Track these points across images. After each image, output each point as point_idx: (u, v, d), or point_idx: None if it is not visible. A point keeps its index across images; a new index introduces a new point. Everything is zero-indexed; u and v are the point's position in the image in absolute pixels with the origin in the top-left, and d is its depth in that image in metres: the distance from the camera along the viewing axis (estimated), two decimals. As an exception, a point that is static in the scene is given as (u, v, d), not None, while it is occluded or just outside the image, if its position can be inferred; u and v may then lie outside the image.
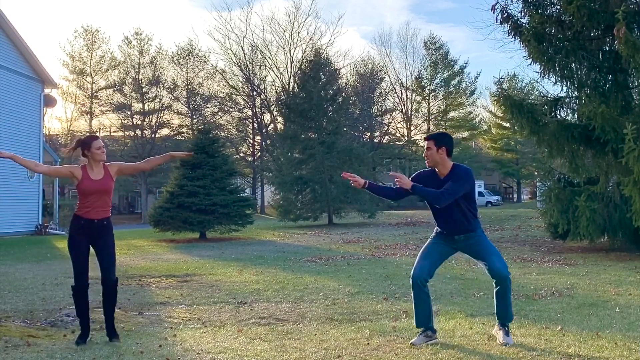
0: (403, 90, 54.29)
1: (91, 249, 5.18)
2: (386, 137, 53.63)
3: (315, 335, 5.38)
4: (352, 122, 41.71)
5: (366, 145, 36.92)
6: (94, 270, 5.29)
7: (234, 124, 51.34)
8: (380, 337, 5.22)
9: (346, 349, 4.84)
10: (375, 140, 50.83)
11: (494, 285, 5.01)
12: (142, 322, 6.17)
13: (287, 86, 44.29)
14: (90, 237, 5.12)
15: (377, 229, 21.40)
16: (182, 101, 49.40)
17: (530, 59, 12.94)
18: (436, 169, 5.04)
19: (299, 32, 49.35)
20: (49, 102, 25.74)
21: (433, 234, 5.17)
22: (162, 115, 48.41)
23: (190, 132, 46.46)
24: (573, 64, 12.60)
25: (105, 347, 4.97)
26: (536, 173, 38.37)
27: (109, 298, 5.22)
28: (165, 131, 49.50)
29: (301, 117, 25.88)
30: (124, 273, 10.45)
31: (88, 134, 5.53)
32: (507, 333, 4.96)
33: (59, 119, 49.72)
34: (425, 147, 5.10)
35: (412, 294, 5.08)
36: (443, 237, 5.08)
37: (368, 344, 5.01)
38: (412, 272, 5.05)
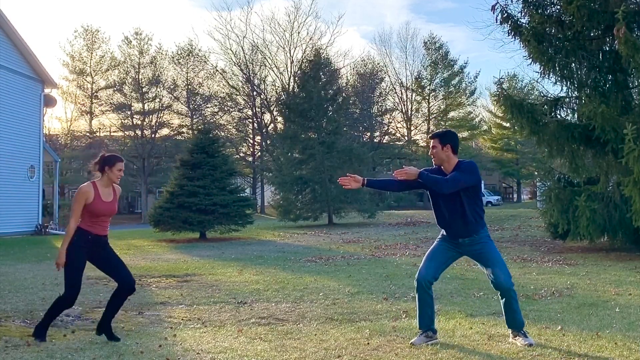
0: (403, 90, 54.30)
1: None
2: (386, 137, 53.65)
3: (315, 335, 5.38)
4: (352, 122, 41.73)
5: (366, 145, 36.95)
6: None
7: (234, 124, 51.34)
8: (380, 337, 5.22)
9: (346, 349, 4.84)
10: (375, 140, 50.82)
11: (499, 296, 5.00)
12: (142, 322, 6.17)
13: (287, 86, 44.30)
14: (92, 251, 5.14)
15: (377, 229, 21.40)
16: (182, 101, 49.39)
17: (530, 59, 12.94)
18: (442, 167, 5.03)
19: (299, 32, 49.41)
20: (49, 102, 25.74)
21: (439, 237, 5.15)
22: (162, 115, 48.40)
23: (190, 132, 46.46)
24: (573, 64, 12.59)
25: (106, 347, 4.97)
26: (536, 173, 38.37)
27: (123, 299, 5.30)
28: (165, 131, 49.50)
29: (301, 117, 25.88)
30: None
31: (113, 154, 5.38)
32: (525, 335, 4.94)
33: (59, 119, 49.80)
34: (430, 146, 5.09)
35: (416, 296, 5.07)
36: (448, 240, 5.06)
37: (368, 344, 5.01)
38: (417, 274, 5.04)
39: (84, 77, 47.92)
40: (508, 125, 42.41)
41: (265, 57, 49.55)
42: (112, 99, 48.01)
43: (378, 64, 53.08)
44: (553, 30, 13.17)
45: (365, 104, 48.69)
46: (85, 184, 5.23)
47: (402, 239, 17.40)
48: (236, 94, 49.94)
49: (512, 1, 15.23)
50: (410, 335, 5.21)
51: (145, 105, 47.56)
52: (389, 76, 53.79)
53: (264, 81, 50.15)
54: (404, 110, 54.39)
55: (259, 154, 51.89)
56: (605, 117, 11.22)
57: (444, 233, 5.09)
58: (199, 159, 18.82)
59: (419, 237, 17.44)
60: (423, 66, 53.83)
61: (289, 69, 48.59)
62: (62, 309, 5.21)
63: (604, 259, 11.62)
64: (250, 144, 53.25)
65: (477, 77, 66.81)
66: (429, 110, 54.25)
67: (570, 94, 13.30)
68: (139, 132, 47.79)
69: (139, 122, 47.83)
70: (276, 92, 47.29)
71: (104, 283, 9.23)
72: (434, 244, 5.16)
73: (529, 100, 14.47)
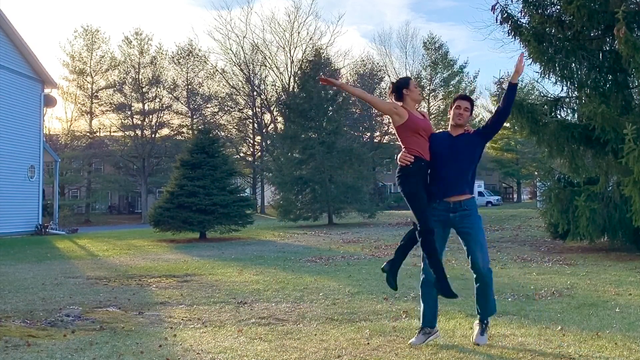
0: (403, 90, 54.26)
1: None
2: (386, 137, 53.66)
3: (315, 335, 5.38)
4: (352, 122, 41.72)
5: (366, 145, 36.93)
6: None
7: (234, 124, 51.37)
8: (380, 337, 5.22)
9: (346, 349, 4.84)
10: (375, 140, 50.82)
11: (474, 281, 4.94)
12: (142, 322, 6.17)
13: (287, 86, 44.32)
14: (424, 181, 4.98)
15: (377, 229, 21.39)
16: (182, 101, 49.43)
17: (530, 59, 12.93)
18: (452, 131, 5.01)
19: (299, 32, 49.44)
20: (49, 102, 25.74)
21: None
22: (162, 115, 48.44)
23: (190, 132, 46.48)
24: (573, 64, 12.59)
25: (105, 347, 4.97)
26: (536, 173, 38.35)
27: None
28: (165, 131, 49.54)
29: (301, 117, 25.88)
30: (124, 273, 10.46)
31: (402, 77, 5.22)
32: (482, 331, 4.92)
33: (59, 119, 49.84)
34: (460, 106, 4.97)
35: (420, 292, 5.08)
36: (439, 219, 4.91)
37: (368, 344, 5.01)
38: (422, 271, 5.05)
39: (84, 77, 47.93)
40: (508, 125, 42.29)
41: (265, 57, 49.62)
42: (112, 99, 48.04)
43: (378, 63, 53.21)
44: (553, 30, 13.16)
45: (365, 104, 48.66)
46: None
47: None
48: (236, 94, 49.97)
49: (512, 1, 15.24)
50: (411, 335, 5.21)
51: (145, 105, 47.59)
52: (389, 76, 53.83)
53: (264, 81, 50.24)
54: (403, 110, 54.40)
55: (259, 154, 51.90)
56: (605, 117, 11.22)
57: (435, 205, 4.94)
58: (199, 159, 18.81)
59: (419, 237, 17.43)
60: (423, 66, 53.91)
61: (289, 69, 48.62)
62: (432, 244, 4.86)
63: (604, 259, 11.61)
64: (250, 144, 53.27)
65: (476, 77, 66.85)
66: (428, 110, 54.24)
67: (570, 94, 13.29)
68: (139, 132, 47.80)
69: (139, 122, 47.85)
70: (276, 92, 47.35)
71: (104, 283, 9.23)
72: None
73: (529, 100, 14.46)
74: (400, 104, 5.00)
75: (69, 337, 5.37)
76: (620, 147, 10.80)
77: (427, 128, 5.00)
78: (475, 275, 4.91)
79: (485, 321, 4.96)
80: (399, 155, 5.02)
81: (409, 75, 53.95)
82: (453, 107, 5.03)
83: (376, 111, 51.01)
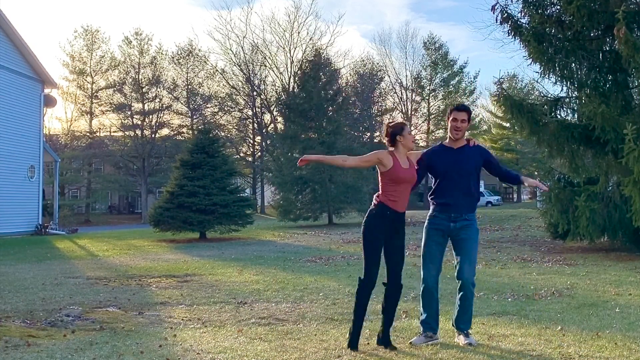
0: (403, 90, 54.34)
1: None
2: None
3: (315, 335, 5.38)
4: (352, 122, 41.72)
5: (366, 146, 36.90)
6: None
7: (234, 124, 51.38)
8: (381, 337, 5.21)
9: (346, 349, 4.84)
10: (375, 140, 50.78)
11: (458, 289, 4.99)
12: (142, 322, 6.17)
13: (287, 86, 44.31)
14: (389, 230, 4.91)
15: (377, 229, 21.35)
16: (182, 101, 49.43)
17: (530, 59, 12.93)
18: (450, 144, 5.01)
19: (299, 32, 49.48)
20: (49, 102, 25.74)
21: (427, 229, 5.09)
22: (162, 115, 48.45)
23: (190, 132, 46.49)
24: (573, 64, 12.59)
25: (105, 347, 4.97)
26: (536, 173, 38.35)
27: (393, 298, 5.04)
28: (165, 131, 49.55)
29: (301, 117, 25.89)
30: (124, 273, 10.46)
31: (398, 122, 5.05)
32: (467, 335, 4.94)
33: (59, 119, 49.84)
34: (457, 118, 4.93)
35: (421, 300, 5.09)
36: (438, 227, 5.00)
37: (368, 344, 5.01)
38: (423, 280, 5.05)
39: (84, 77, 47.94)
40: (508, 125, 42.34)
41: (265, 57, 49.64)
42: (112, 99, 48.06)
43: (378, 64, 53.23)
44: (553, 30, 13.16)
45: (365, 104, 48.72)
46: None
47: (402, 239, 17.36)
48: (236, 94, 49.98)
49: (512, 1, 15.22)
50: (410, 335, 5.22)
51: (145, 105, 47.61)
52: (389, 76, 53.91)
53: (264, 81, 50.27)
54: (403, 110, 54.43)
55: (259, 154, 51.92)
56: (605, 117, 11.22)
57: (434, 214, 5.02)
58: (199, 159, 18.81)
59: (418, 237, 17.37)
60: (423, 66, 53.92)
61: (289, 69, 48.66)
62: (365, 295, 4.95)
63: (604, 259, 11.61)
64: (250, 144, 53.28)
65: (476, 77, 66.81)
66: (428, 110, 54.32)
67: (570, 94, 13.29)
68: (139, 132, 47.81)
69: (139, 122, 47.86)
70: (276, 92, 47.35)
71: (104, 283, 9.23)
72: (424, 239, 5.10)
73: (529, 100, 14.46)
74: (392, 149, 5.01)
75: (69, 337, 5.37)
76: (620, 147, 10.79)
77: (411, 179, 4.95)
78: (459, 283, 4.97)
79: (465, 331, 4.97)
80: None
81: (409, 74, 54.09)
82: (450, 120, 5.01)
83: (376, 111, 51.25)
